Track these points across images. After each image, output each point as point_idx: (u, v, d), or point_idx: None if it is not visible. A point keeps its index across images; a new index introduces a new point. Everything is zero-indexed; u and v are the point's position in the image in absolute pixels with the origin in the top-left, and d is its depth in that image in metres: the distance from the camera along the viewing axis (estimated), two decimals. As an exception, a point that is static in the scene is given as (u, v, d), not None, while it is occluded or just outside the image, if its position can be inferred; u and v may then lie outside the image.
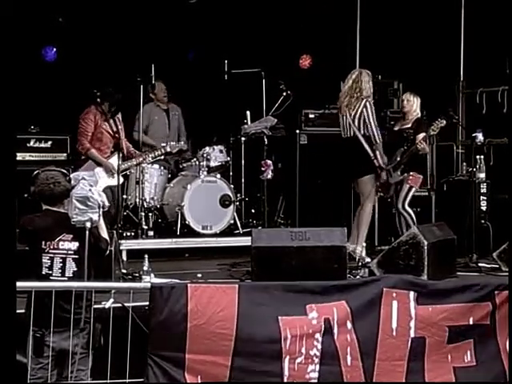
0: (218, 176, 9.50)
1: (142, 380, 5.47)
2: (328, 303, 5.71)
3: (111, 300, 5.92)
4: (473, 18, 10.69)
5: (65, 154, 9.40)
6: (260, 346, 5.59)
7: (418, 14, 10.67)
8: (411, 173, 8.83)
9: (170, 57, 10.58)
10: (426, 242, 7.19)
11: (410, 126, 8.97)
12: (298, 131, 10.48)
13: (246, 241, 7.83)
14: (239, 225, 9.47)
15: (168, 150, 9.28)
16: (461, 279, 7.31)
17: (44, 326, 5.26)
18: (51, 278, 5.35)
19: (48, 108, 9.97)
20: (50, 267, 5.37)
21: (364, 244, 8.67)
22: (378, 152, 8.58)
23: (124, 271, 7.47)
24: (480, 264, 8.23)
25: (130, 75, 9.43)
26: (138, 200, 9.09)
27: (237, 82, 10.62)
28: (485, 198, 9.20)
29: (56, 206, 5.46)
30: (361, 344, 5.70)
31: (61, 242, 5.39)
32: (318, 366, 5.65)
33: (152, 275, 7.16)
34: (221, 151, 9.67)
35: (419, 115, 9.05)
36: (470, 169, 9.17)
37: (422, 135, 8.78)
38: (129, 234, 8.93)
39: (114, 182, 8.52)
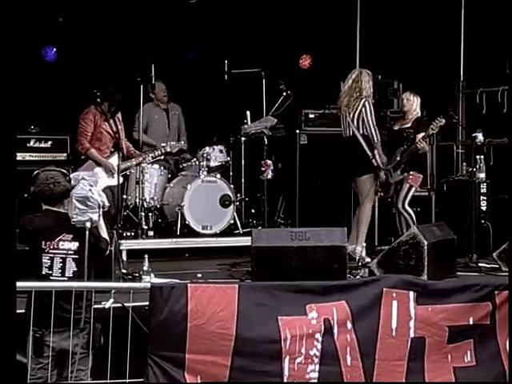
0: (218, 176, 9.50)
1: (141, 380, 5.47)
2: (328, 303, 5.71)
3: (111, 300, 5.92)
4: (473, 18, 10.69)
5: (65, 154, 9.39)
6: (260, 346, 5.59)
7: (418, 14, 10.68)
8: (411, 172, 8.84)
9: (170, 57, 10.58)
10: (426, 242, 7.19)
11: (409, 125, 8.97)
12: (298, 131, 10.48)
13: (245, 241, 7.83)
14: (239, 225, 9.47)
15: (168, 149, 9.29)
16: (461, 279, 7.31)
17: (44, 326, 5.26)
18: (51, 278, 5.35)
19: (48, 108, 9.97)
20: (50, 267, 5.37)
21: (364, 244, 8.68)
22: (376, 152, 8.59)
23: (124, 271, 7.47)
24: (480, 264, 8.23)
25: (130, 75, 9.43)
26: (138, 200, 9.09)
27: (237, 82, 10.62)
28: (485, 198, 9.19)
29: (56, 206, 5.46)
30: (361, 344, 5.70)
31: (61, 242, 5.39)
32: (317, 366, 5.65)
33: (152, 275, 7.16)
34: (221, 151, 9.67)
35: (419, 114, 9.06)
36: (470, 169, 9.17)
37: (421, 134, 8.79)
38: (129, 234, 8.93)
39: (113, 181, 8.52)
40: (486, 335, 5.91)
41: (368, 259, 8.24)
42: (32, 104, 9.42)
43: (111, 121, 8.65)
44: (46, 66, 10.40)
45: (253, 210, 10.20)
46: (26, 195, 5.80)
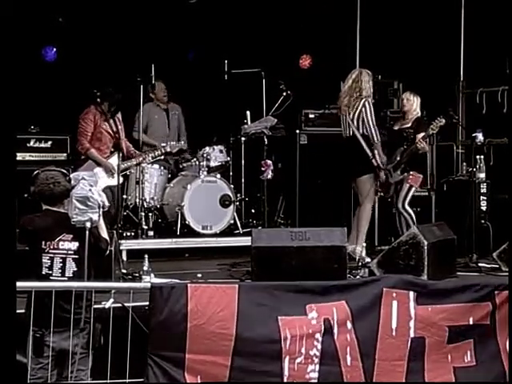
0: (218, 176, 9.50)
1: (141, 380, 5.47)
2: (328, 303, 5.71)
3: (111, 300, 5.92)
4: (473, 18, 10.69)
5: (65, 154, 9.39)
6: (260, 346, 5.59)
7: (418, 14, 10.67)
8: (411, 172, 8.84)
9: (170, 57, 10.58)
10: (426, 242, 7.19)
11: (409, 125, 8.98)
12: (298, 131, 10.48)
13: (246, 241, 7.83)
14: (239, 225, 9.47)
15: (168, 149, 9.29)
16: (461, 279, 7.30)
17: (44, 326, 5.26)
18: (51, 278, 5.35)
19: (48, 108, 9.97)
20: (50, 267, 5.37)
21: (364, 244, 8.68)
22: (376, 152, 8.59)
23: (124, 271, 7.47)
24: (480, 264, 8.23)
25: (130, 75, 9.43)
26: (138, 200, 9.09)
27: (237, 82, 10.62)
28: (485, 197, 9.19)
29: (56, 206, 5.46)
30: (361, 344, 5.70)
31: (61, 242, 5.39)
32: (317, 366, 5.65)
33: (152, 275, 7.16)
34: (221, 151, 9.67)
35: (419, 114, 9.06)
36: (470, 169, 9.17)
37: (421, 134, 8.79)
38: (129, 234, 8.93)
39: (113, 181, 8.53)
40: (486, 335, 5.91)
41: (368, 259, 8.24)
42: (32, 104, 9.42)
43: (111, 121, 8.65)
44: (46, 66, 10.40)
45: (253, 210, 10.20)
46: (25, 195, 5.80)
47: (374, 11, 11.02)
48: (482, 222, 9.07)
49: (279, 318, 5.63)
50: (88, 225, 5.29)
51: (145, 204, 9.12)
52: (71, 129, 9.09)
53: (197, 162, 9.59)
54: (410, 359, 5.77)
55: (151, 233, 9.07)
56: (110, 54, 10.27)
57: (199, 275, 7.52)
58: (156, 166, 9.43)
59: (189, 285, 5.59)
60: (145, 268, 7.25)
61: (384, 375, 5.73)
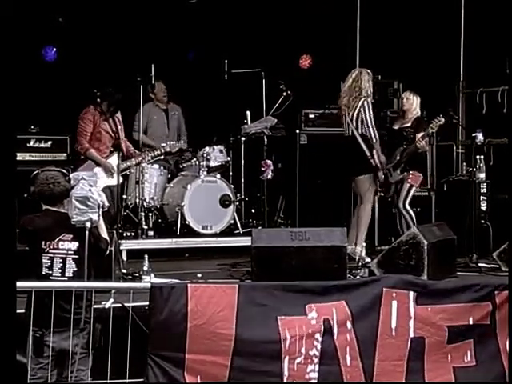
0: (218, 176, 9.50)
1: (141, 380, 5.47)
2: (328, 303, 5.71)
3: (111, 300, 5.92)
4: (473, 18, 10.69)
5: (65, 154, 9.38)
6: (260, 346, 5.60)
7: (418, 14, 10.67)
8: (411, 172, 8.84)
9: (170, 57, 10.58)
10: (426, 242, 7.18)
11: (410, 124, 8.98)
12: (298, 131, 10.48)
13: (246, 241, 7.82)
14: (239, 225, 9.47)
15: (168, 149, 9.29)
16: (461, 279, 7.30)
17: (44, 326, 5.26)
18: (51, 278, 5.35)
19: (48, 108, 9.96)
20: (50, 267, 5.37)
21: (364, 244, 8.68)
22: (375, 152, 8.58)
23: (124, 271, 7.47)
24: (480, 264, 8.23)
25: (130, 75, 9.43)
26: (137, 200, 9.09)
27: (237, 82, 10.61)
28: (485, 198, 9.19)
29: (56, 206, 5.46)
30: (360, 344, 5.70)
31: (61, 242, 5.39)
32: (317, 366, 5.65)
33: (152, 275, 7.16)
34: (221, 151, 9.67)
35: (419, 114, 9.06)
36: (470, 169, 9.17)
37: (421, 134, 8.80)
38: (129, 234, 8.93)
39: (112, 181, 8.53)
40: (486, 335, 5.91)
41: (368, 259, 8.24)
42: (32, 104, 9.41)
43: (111, 120, 8.64)
44: (46, 66, 10.40)
45: (253, 210, 10.20)
46: (25, 195, 5.81)
47: (373, 11, 11.02)
48: (482, 221, 9.06)
49: (279, 318, 5.63)
50: (88, 225, 5.29)
51: (145, 204, 9.12)
52: (71, 129, 9.08)
53: (197, 162, 9.59)
54: (410, 359, 5.78)
55: (151, 233, 9.07)
56: (110, 54, 10.27)
57: (199, 275, 7.52)
58: (156, 165, 9.43)
59: (189, 285, 5.59)
60: (145, 268, 7.25)
61: (384, 375, 5.73)
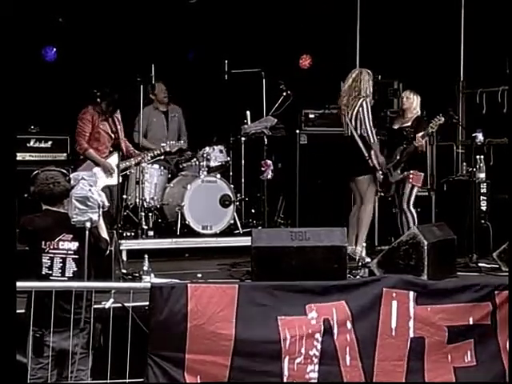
0: (218, 176, 9.50)
1: (141, 380, 5.47)
2: (328, 303, 5.72)
3: (111, 300, 5.92)
4: (473, 18, 10.69)
5: (65, 154, 9.39)
6: (260, 346, 5.60)
7: (418, 14, 10.67)
8: (411, 171, 8.83)
9: (170, 57, 10.57)
10: (426, 242, 7.18)
11: (410, 124, 8.99)
12: (298, 131, 10.47)
13: (246, 241, 7.82)
14: (239, 225, 9.47)
15: (167, 149, 9.29)
16: (461, 279, 7.30)
17: (44, 326, 5.26)
18: (51, 278, 5.35)
19: (48, 108, 9.97)
20: (50, 267, 5.37)
21: (364, 244, 8.68)
22: (373, 152, 8.57)
23: (124, 271, 7.47)
24: (480, 264, 8.23)
25: (130, 75, 9.43)
26: (137, 200, 9.09)
27: (237, 82, 10.61)
28: (485, 197, 9.19)
29: (56, 206, 5.46)
30: (360, 344, 5.71)
31: (61, 242, 5.39)
32: (317, 366, 5.65)
33: (152, 275, 7.16)
34: (221, 151, 9.66)
35: (419, 113, 9.06)
36: (470, 169, 9.17)
37: (421, 133, 8.80)
38: (129, 234, 8.93)
39: (111, 181, 8.54)
40: (486, 335, 5.91)
41: (368, 259, 8.24)
42: (32, 104, 9.42)
43: (110, 120, 8.65)
44: (46, 66, 10.40)
45: (253, 210, 10.20)
46: (26, 195, 5.80)
47: (373, 11, 11.02)
48: (482, 221, 9.06)
49: (279, 318, 5.63)
50: (88, 225, 5.29)
51: (145, 204, 9.12)
52: (71, 129, 9.08)
53: (197, 162, 9.59)
54: (410, 359, 5.78)
55: (151, 233, 9.07)
56: (110, 54, 10.27)
57: (199, 275, 7.52)
58: (156, 165, 9.43)
59: (189, 285, 5.59)
60: (145, 268, 7.25)
61: (384, 375, 5.73)
